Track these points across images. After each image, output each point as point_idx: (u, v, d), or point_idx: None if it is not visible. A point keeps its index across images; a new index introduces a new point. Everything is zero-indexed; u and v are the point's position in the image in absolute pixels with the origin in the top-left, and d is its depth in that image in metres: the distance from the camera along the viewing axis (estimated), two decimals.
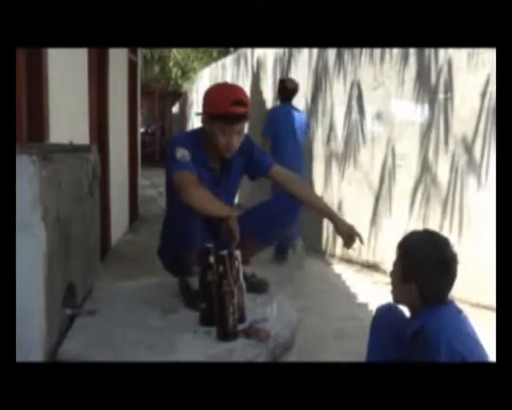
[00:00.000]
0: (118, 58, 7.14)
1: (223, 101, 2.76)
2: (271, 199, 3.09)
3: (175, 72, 20.66)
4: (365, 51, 6.27)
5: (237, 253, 2.56)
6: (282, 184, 3.07)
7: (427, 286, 2.21)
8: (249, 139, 3.03)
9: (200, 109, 2.92)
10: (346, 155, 6.69)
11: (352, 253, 6.55)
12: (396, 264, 2.32)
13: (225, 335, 2.34)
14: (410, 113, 5.68)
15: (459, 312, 2.24)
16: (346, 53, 6.63)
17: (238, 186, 3.15)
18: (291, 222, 3.09)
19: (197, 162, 2.79)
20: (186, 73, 20.03)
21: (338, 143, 6.86)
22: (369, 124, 6.29)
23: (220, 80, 12.73)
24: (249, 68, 10.30)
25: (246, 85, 10.23)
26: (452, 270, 2.22)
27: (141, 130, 12.96)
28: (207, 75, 15.00)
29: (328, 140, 7.07)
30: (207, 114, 2.83)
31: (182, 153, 2.76)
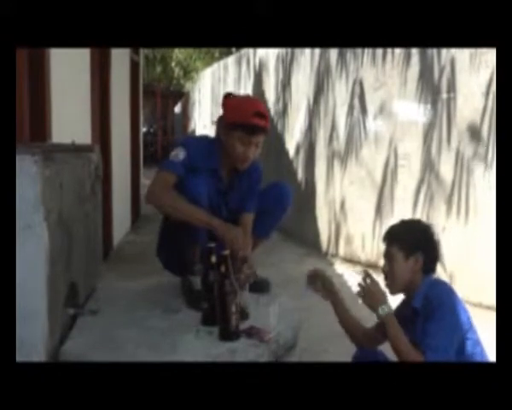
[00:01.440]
0: (120, 58, 7.15)
1: (245, 111, 2.78)
2: (260, 191, 3.09)
3: (177, 72, 20.69)
4: (367, 51, 6.27)
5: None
6: None
7: (430, 252, 2.47)
8: (261, 173, 3.05)
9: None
10: (349, 154, 6.69)
11: (355, 253, 6.56)
12: (390, 251, 2.49)
13: (227, 335, 2.34)
14: (412, 113, 5.68)
15: None
16: (348, 53, 6.63)
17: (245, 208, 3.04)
18: (284, 209, 3.10)
19: (207, 168, 2.81)
20: (188, 73, 20.05)
21: (340, 143, 6.86)
22: (372, 124, 6.29)
23: (222, 80, 12.75)
24: (251, 69, 10.30)
25: (248, 86, 10.23)
26: (438, 240, 2.55)
27: (143, 130, 12.98)
28: (209, 75, 15.02)
29: (331, 140, 7.07)
30: (227, 123, 2.84)
31: (176, 152, 2.78)
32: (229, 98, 2.97)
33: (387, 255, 2.51)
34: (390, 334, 2.33)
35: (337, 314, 2.75)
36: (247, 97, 3.11)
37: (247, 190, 3.00)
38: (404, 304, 2.55)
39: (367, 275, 2.45)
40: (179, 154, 2.77)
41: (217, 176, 2.89)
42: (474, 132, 4.91)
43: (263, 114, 2.81)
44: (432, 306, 2.32)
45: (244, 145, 2.81)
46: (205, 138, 3.09)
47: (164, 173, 2.76)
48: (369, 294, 2.39)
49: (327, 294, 2.75)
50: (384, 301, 2.35)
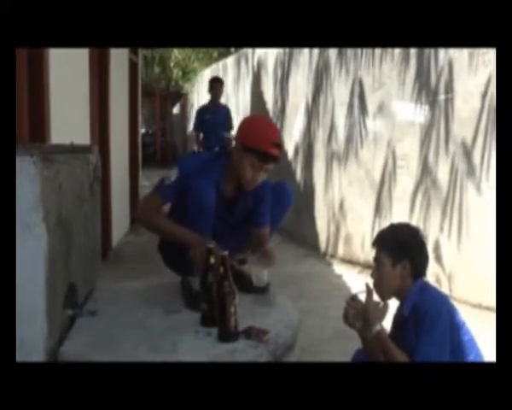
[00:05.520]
0: (119, 59, 7.15)
1: (264, 139, 2.77)
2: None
3: (176, 72, 20.66)
4: (366, 51, 6.27)
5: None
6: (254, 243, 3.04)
7: (417, 258, 2.46)
8: (268, 187, 3.03)
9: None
10: (347, 155, 6.69)
11: (354, 254, 6.56)
12: (378, 257, 2.49)
13: (226, 336, 2.33)
14: (411, 113, 5.68)
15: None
16: (347, 53, 6.63)
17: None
18: (284, 209, 3.12)
19: (209, 178, 2.78)
20: (187, 74, 20.04)
21: (339, 143, 6.86)
22: (371, 124, 6.29)
23: None
24: (250, 69, 10.30)
25: (247, 86, 10.24)
26: (425, 244, 2.53)
27: (142, 130, 12.97)
28: (208, 76, 15.00)
29: (330, 140, 7.07)
30: (242, 144, 2.81)
31: (170, 173, 2.84)
32: (247, 119, 2.97)
33: (376, 261, 2.51)
34: (384, 350, 2.33)
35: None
36: (267, 123, 3.07)
37: (257, 203, 3.00)
38: (398, 310, 2.55)
39: (352, 299, 2.47)
40: (172, 175, 2.83)
41: (221, 193, 2.85)
42: (473, 133, 4.90)
43: (279, 144, 2.84)
44: (419, 314, 2.32)
45: (254, 170, 2.81)
46: (207, 155, 3.07)
47: (152, 196, 2.89)
48: (359, 315, 2.40)
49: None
50: (375, 321, 2.35)
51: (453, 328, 2.31)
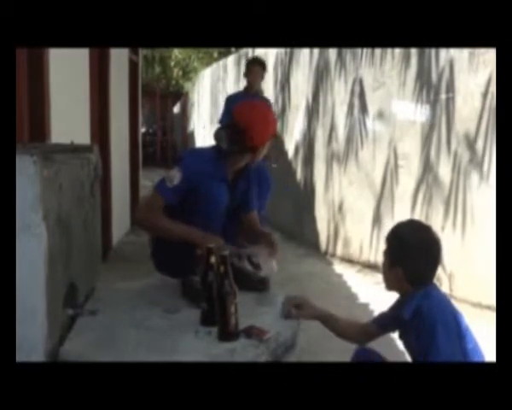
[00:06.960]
0: (119, 58, 7.15)
1: (270, 131, 2.98)
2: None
3: (176, 72, 20.68)
4: (366, 51, 6.27)
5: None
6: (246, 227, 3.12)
7: (411, 268, 2.36)
8: (253, 172, 3.09)
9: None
10: (348, 155, 6.69)
11: (354, 253, 6.56)
12: (384, 253, 2.46)
13: (227, 335, 2.34)
14: (411, 113, 5.68)
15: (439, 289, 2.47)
16: (348, 53, 6.63)
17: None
18: (267, 191, 3.23)
19: (217, 177, 2.85)
20: (187, 73, 20.06)
21: (339, 143, 6.86)
22: (371, 124, 6.29)
23: (221, 81, 12.73)
24: None
25: None
26: (434, 251, 2.39)
27: (142, 130, 12.96)
28: (208, 75, 15.01)
29: (330, 140, 7.07)
30: (252, 146, 2.89)
31: (173, 174, 2.81)
32: (249, 123, 2.88)
33: (383, 256, 2.48)
34: None
35: (330, 330, 2.72)
36: (263, 114, 3.02)
37: (246, 189, 3.06)
38: (398, 303, 2.51)
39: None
40: (175, 177, 2.79)
41: (227, 183, 2.92)
42: (473, 132, 4.91)
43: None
44: (424, 324, 2.24)
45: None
46: (208, 152, 3.04)
47: (153, 197, 2.86)
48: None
49: (307, 316, 2.76)
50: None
51: (458, 336, 2.27)
